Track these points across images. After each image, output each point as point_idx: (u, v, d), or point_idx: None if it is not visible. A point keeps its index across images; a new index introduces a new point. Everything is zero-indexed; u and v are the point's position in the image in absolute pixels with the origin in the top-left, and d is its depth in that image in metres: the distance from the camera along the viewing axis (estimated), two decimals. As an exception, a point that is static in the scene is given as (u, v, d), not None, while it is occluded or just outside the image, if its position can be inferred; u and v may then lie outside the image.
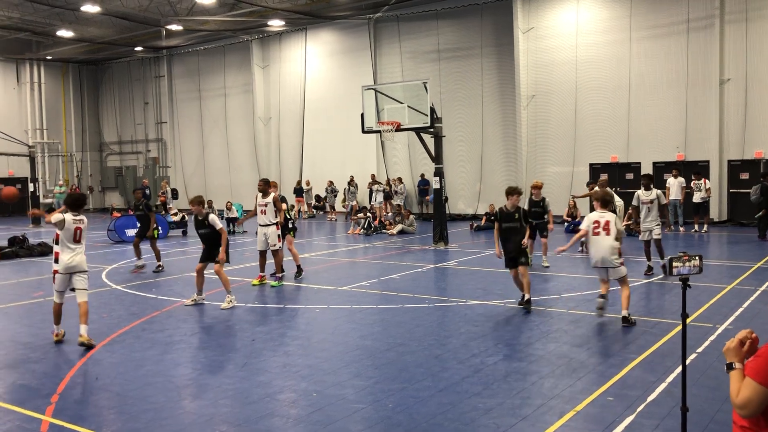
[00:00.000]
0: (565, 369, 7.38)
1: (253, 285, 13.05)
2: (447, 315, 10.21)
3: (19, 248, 18.82)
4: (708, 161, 22.77)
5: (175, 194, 32.01)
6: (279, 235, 13.18)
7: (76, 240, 8.82)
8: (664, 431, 5.56)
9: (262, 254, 13.30)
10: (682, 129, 23.23)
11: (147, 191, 28.93)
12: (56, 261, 8.84)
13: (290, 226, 14.01)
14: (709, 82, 22.57)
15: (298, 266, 13.93)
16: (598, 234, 9.30)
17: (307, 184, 31.65)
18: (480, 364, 7.50)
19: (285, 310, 10.87)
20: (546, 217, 14.66)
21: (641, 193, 13.47)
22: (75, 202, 9.06)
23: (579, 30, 24.97)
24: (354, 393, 6.68)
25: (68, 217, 8.81)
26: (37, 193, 31.81)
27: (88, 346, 8.57)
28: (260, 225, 13.25)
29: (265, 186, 13.38)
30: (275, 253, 13.25)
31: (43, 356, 8.36)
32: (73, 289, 8.89)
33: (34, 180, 31.80)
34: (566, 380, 6.94)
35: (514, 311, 10.24)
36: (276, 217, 13.18)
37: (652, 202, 13.27)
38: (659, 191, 13.57)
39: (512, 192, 10.45)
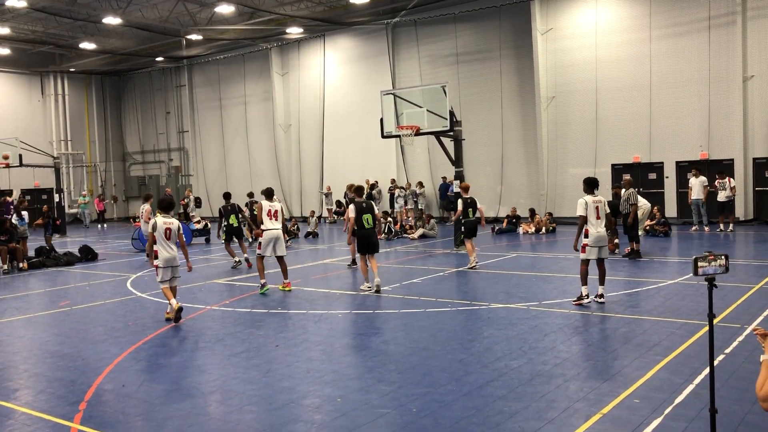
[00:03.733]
0: (590, 371, 7.32)
1: (288, 290, 13.09)
2: (470, 318, 10.17)
3: (45, 258, 19.10)
4: (732, 159, 22.48)
5: (198, 203, 32.21)
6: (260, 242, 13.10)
7: (167, 238, 10.53)
8: (692, 434, 5.49)
9: (280, 260, 13.23)
10: (705, 127, 22.96)
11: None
12: (156, 257, 10.63)
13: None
14: (732, 79, 22.29)
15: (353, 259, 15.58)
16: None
17: (328, 189, 31.76)
18: (504, 368, 7.46)
19: (308, 315, 10.91)
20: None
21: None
22: (162, 204, 10.90)
23: (598, 30, 24.81)
24: (378, 398, 6.68)
25: (159, 219, 10.60)
26: (63, 204, 32.26)
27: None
28: (272, 229, 13.08)
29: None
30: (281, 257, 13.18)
31: (70, 364, 8.47)
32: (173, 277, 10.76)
33: (60, 191, 32.27)
34: (592, 383, 6.88)
35: (538, 314, 10.18)
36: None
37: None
38: (580, 200, 10.76)
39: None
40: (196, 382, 7.48)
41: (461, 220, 15.62)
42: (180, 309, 10.53)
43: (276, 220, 13.11)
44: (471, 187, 16.52)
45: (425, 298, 11.84)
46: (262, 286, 13.05)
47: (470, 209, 15.43)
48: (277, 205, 13.26)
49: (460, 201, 15.63)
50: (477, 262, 15.30)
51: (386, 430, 5.86)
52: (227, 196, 18.22)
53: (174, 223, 10.69)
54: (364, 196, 13.52)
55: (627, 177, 17.35)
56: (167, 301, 10.78)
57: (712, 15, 22.55)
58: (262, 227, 13.12)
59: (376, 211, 12.78)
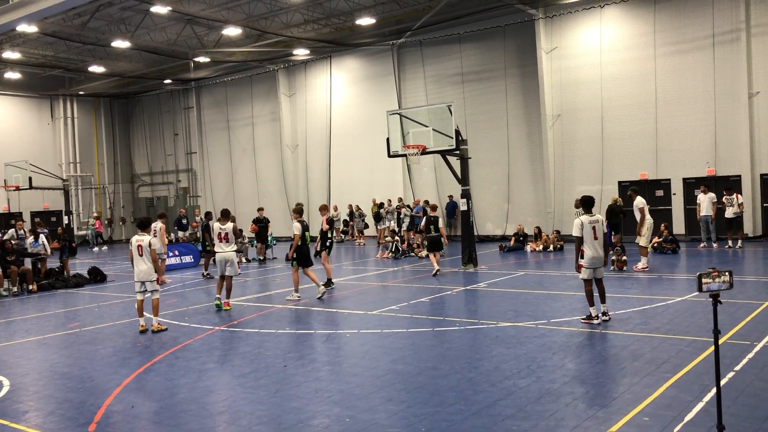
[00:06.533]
0: (599, 389, 7.30)
1: (226, 309, 13.61)
2: (478, 337, 10.16)
3: (55, 280, 19.19)
4: (740, 176, 22.45)
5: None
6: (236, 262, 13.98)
7: (139, 255, 11.53)
8: (702, 451, 5.46)
9: (227, 279, 13.71)
10: (712, 144, 22.96)
11: (184, 221, 29.34)
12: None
13: (327, 244, 15.92)
14: (738, 95, 22.33)
15: (329, 279, 15.96)
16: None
17: (335, 209, 31.81)
18: (513, 387, 7.45)
19: (315, 335, 10.92)
20: None
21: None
22: (139, 223, 12.05)
23: (603, 48, 24.93)
24: (387, 417, 6.67)
25: (134, 237, 11.69)
26: (72, 226, 32.44)
27: (158, 331, 11.50)
28: (221, 252, 13.74)
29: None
30: (229, 278, 13.76)
31: (80, 385, 8.50)
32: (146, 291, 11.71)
33: (69, 212, 32.47)
34: (600, 401, 6.86)
35: (546, 332, 10.16)
36: (235, 243, 14.11)
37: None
38: (576, 220, 10.75)
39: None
40: (205, 403, 7.49)
41: (431, 235, 18.03)
42: (144, 331, 11.60)
43: (227, 242, 13.68)
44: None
45: (433, 317, 11.83)
46: (217, 298, 13.84)
47: (432, 226, 17.94)
48: (229, 226, 13.76)
49: (425, 218, 18.42)
50: (438, 271, 17.66)
51: (395, 449, 5.85)
52: (207, 214, 21.08)
53: (145, 239, 11.64)
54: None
55: (578, 199, 17.33)
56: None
57: (717, 32, 22.65)
58: (215, 249, 13.91)
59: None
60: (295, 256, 14.34)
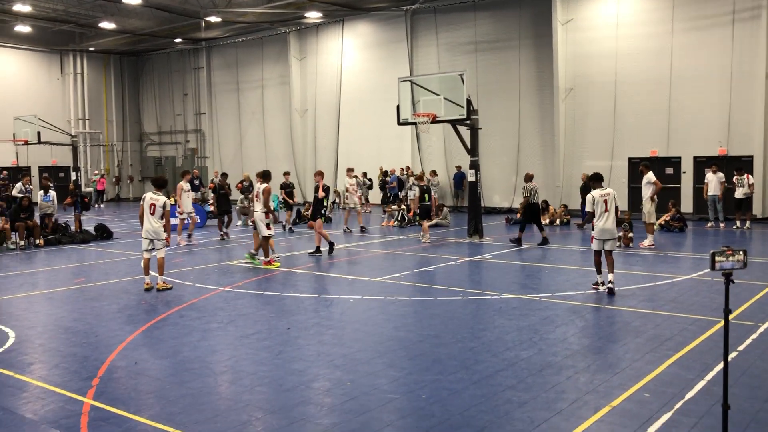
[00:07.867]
0: (600, 364, 7.30)
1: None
2: (481, 308, 10.17)
3: (61, 235, 19.27)
4: (752, 156, 22.21)
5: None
6: (268, 224, 14.40)
7: (151, 213, 11.64)
8: (702, 429, 5.46)
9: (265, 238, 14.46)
10: (725, 123, 22.68)
11: (196, 182, 29.24)
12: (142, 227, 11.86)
13: (323, 212, 15.91)
14: (755, 75, 21.97)
15: (330, 243, 16.05)
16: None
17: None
18: (514, 358, 7.47)
19: (320, 300, 10.96)
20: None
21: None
22: (156, 182, 12.03)
23: (619, 21, 24.52)
24: (388, 383, 6.70)
25: (148, 195, 11.77)
26: (79, 182, 32.47)
27: (162, 289, 11.60)
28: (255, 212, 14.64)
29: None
30: (264, 238, 14.42)
31: (84, 340, 8.57)
32: (153, 249, 11.81)
33: (77, 169, 32.46)
34: (602, 375, 6.87)
35: (549, 305, 10.16)
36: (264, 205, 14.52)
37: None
38: (588, 195, 11.25)
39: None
40: (208, 362, 7.54)
41: (423, 204, 19.06)
42: (149, 289, 11.70)
43: (258, 201, 14.49)
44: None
45: (437, 287, 11.84)
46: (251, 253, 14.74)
47: (426, 195, 18.90)
48: (261, 187, 14.45)
49: (417, 188, 19.39)
50: (429, 241, 18.15)
51: (395, 415, 5.89)
52: (224, 176, 21.30)
53: (160, 200, 11.70)
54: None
55: (528, 172, 18.91)
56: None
57: (737, 9, 22.21)
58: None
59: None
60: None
